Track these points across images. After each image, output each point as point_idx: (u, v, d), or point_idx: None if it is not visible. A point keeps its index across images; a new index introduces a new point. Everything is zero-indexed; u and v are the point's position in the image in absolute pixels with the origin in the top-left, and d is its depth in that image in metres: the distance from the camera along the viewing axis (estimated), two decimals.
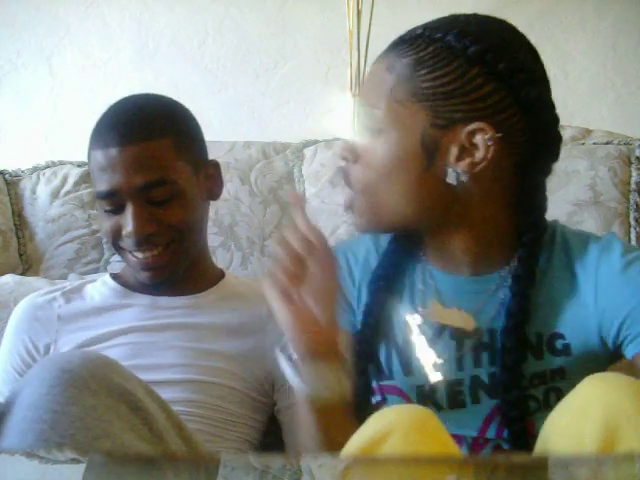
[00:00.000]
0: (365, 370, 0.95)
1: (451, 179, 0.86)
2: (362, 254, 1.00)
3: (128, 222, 1.03)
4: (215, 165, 1.15)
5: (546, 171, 0.92)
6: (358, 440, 0.73)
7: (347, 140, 0.95)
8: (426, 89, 0.85)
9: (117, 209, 1.04)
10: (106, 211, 1.05)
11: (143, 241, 1.03)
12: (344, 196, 0.94)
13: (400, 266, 0.96)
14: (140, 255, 1.04)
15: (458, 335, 0.92)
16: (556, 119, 0.91)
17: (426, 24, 0.90)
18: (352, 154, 0.91)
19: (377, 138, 0.88)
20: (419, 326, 0.93)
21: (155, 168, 1.03)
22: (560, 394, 0.87)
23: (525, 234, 0.90)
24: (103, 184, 1.03)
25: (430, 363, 0.92)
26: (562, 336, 0.89)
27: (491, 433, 0.90)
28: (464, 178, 0.85)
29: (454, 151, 0.85)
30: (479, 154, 0.85)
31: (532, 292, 0.89)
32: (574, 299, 0.89)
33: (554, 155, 0.91)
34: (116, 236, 1.05)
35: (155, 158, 1.03)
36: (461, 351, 0.91)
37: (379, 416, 0.74)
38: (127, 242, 1.04)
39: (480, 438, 0.90)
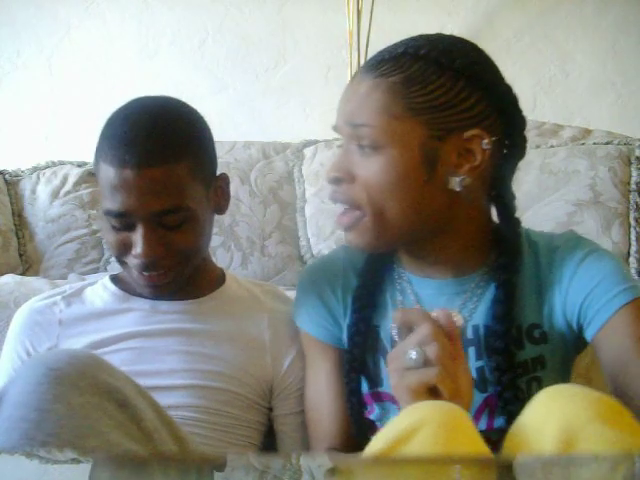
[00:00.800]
0: (358, 386, 0.98)
1: (455, 185, 0.90)
2: (340, 272, 1.03)
3: (137, 244, 0.99)
4: (224, 179, 1.11)
5: (514, 170, 0.98)
6: (388, 434, 0.73)
7: (334, 161, 0.95)
8: (420, 103, 0.89)
9: (126, 227, 1.01)
10: (114, 227, 1.02)
11: (149, 264, 1.01)
12: (343, 217, 0.94)
13: (379, 280, 1.00)
14: (145, 273, 1.03)
15: None
16: (525, 122, 0.97)
17: (404, 43, 0.93)
18: (347, 174, 0.92)
19: (373, 155, 0.90)
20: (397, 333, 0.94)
21: (171, 194, 0.98)
22: (541, 383, 0.93)
23: (502, 232, 0.97)
24: (115, 204, 0.98)
25: None
26: (539, 326, 0.95)
27: (482, 426, 0.93)
28: (467, 182, 0.90)
29: (453, 159, 0.90)
30: (477, 158, 0.90)
31: (516, 280, 0.94)
32: (544, 292, 0.96)
33: (522, 155, 0.98)
34: (122, 252, 1.02)
35: (172, 184, 0.99)
36: None
37: (410, 411, 0.74)
38: (133, 261, 1.02)
39: None
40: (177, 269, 1.04)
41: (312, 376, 1.04)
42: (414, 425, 0.70)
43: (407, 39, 0.94)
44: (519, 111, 0.95)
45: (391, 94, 0.90)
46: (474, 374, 0.93)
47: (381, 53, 0.94)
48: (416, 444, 0.69)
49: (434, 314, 0.81)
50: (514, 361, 0.92)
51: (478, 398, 0.93)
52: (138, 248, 0.99)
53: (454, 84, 0.89)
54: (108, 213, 1.00)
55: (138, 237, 0.99)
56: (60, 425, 0.74)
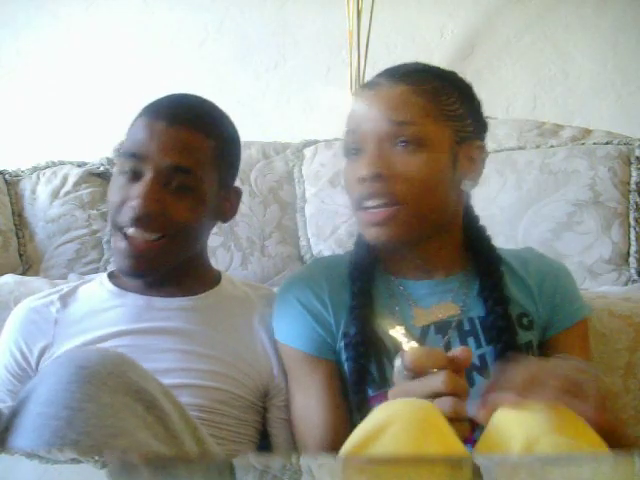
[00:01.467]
0: (366, 397, 0.99)
1: (467, 187, 1.02)
2: (324, 282, 1.05)
3: (138, 191, 1.00)
4: (237, 192, 1.15)
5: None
6: (360, 432, 0.75)
7: (370, 159, 0.98)
8: (449, 111, 1.00)
9: (133, 175, 1.02)
10: (122, 174, 1.03)
11: (142, 216, 1.00)
12: (379, 213, 0.97)
13: (372, 287, 1.04)
14: (131, 231, 1.01)
15: (441, 329, 1.02)
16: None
17: (413, 64, 1.05)
18: (387, 170, 0.97)
19: (414, 152, 0.97)
20: (404, 334, 0.96)
21: (189, 157, 1.02)
22: None
23: (474, 235, 1.08)
24: (135, 146, 1.02)
25: None
26: (527, 314, 1.04)
27: None
28: (474, 186, 1.03)
29: (466, 164, 1.01)
30: (480, 165, 1.03)
31: (501, 271, 1.05)
32: (524, 289, 1.06)
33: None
34: (119, 206, 1.03)
35: (194, 149, 1.03)
36: (448, 343, 1.00)
37: (381, 408, 0.76)
38: (126, 213, 1.01)
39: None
40: (163, 242, 1.03)
41: (299, 390, 1.05)
42: (384, 422, 0.73)
43: (411, 63, 1.06)
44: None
45: (428, 99, 0.99)
46: (476, 362, 0.99)
47: (402, 67, 1.04)
48: (386, 441, 0.71)
49: (456, 353, 0.82)
50: (517, 341, 1.00)
51: (483, 384, 0.97)
52: (136, 196, 1.00)
53: (463, 101, 1.02)
54: (125, 154, 1.04)
55: (141, 185, 1.01)
56: (91, 424, 0.74)
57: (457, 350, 0.82)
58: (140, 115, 1.06)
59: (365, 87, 1.03)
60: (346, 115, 1.04)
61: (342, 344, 1.03)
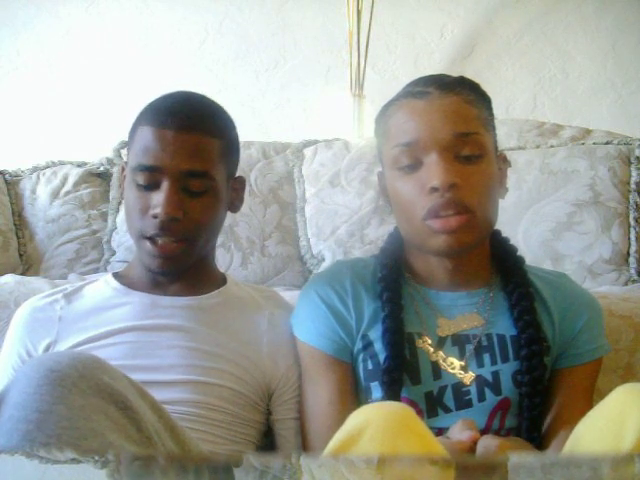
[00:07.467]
0: (398, 394, 0.99)
1: (503, 195, 1.05)
2: (349, 285, 1.06)
3: (159, 201, 1.03)
4: (241, 181, 1.19)
5: None
6: (338, 436, 0.76)
7: (444, 170, 0.97)
8: (490, 121, 1.03)
9: (151, 186, 1.04)
10: (138, 185, 1.05)
11: (167, 224, 1.03)
12: (453, 220, 0.97)
13: (401, 295, 1.04)
14: (158, 238, 1.04)
15: (459, 341, 1.02)
16: None
17: (441, 74, 1.06)
18: (459, 180, 0.97)
19: (477, 163, 0.99)
20: (430, 344, 1.02)
21: (202, 160, 1.05)
22: None
23: (504, 254, 1.08)
24: (148, 158, 1.04)
25: (457, 368, 1.01)
26: (545, 339, 1.03)
27: (495, 425, 0.99)
28: (504, 196, 1.05)
29: (500, 173, 1.04)
30: (505, 175, 1.06)
31: (531, 293, 1.04)
32: (544, 312, 1.05)
33: None
34: (141, 215, 1.05)
35: (205, 152, 1.06)
36: (464, 356, 1.01)
37: (356, 413, 0.78)
38: (150, 224, 1.04)
39: (485, 431, 0.97)
40: (187, 243, 1.05)
41: (312, 388, 1.05)
42: (360, 426, 0.75)
43: (436, 74, 1.05)
44: None
45: (479, 109, 1.01)
46: (490, 378, 1.00)
47: (438, 77, 1.03)
48: (363, 444, 0.73)
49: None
50: (544, 362, 1.00)
51: (493, 400, 0.99)
52: (159, 206, 1.03)
53: (491, 111, 1.05)
54: (138, 167, 1.05)
55: (161, 195, 1.03)
56: (61, 426, 0.73)
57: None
58: (143, 122, 1.07)
59: (411, 97, 1.01)
60: (404, 129, 1.01)
61: (360, 346, 1.04)
